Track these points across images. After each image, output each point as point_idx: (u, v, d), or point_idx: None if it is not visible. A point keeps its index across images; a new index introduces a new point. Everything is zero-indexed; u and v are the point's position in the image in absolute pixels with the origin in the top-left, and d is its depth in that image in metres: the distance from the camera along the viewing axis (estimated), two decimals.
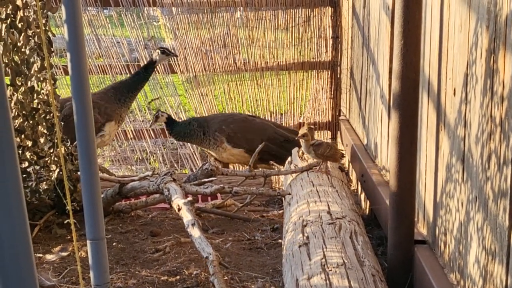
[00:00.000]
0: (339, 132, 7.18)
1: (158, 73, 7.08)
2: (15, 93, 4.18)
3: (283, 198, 4.94)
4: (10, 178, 1.25)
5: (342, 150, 5.54)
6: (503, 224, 2.40)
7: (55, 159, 4.36)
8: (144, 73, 5.86)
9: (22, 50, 4.18)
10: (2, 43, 4.04)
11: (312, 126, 5.40)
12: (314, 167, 4.95)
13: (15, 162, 1.25)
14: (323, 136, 7.34)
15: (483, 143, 2.63)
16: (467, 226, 2.85)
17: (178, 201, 3.97)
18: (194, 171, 6.31)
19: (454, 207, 3.06)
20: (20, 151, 4.25)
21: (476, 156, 2.73)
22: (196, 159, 7.21)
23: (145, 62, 6.36)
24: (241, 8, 7.17)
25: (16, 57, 4.17)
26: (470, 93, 2.81)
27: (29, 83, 4.25)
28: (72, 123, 5.67)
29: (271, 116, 7.28)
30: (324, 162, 4.91)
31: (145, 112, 7.59)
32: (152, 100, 7.27)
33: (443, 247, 3.27)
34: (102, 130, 5.59)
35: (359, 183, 5.58)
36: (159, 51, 5.85)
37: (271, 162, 5.81)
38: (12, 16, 4.08)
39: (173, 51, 6.26)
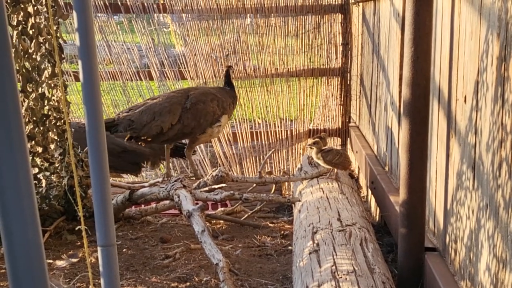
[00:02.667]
0: (349, 139, 7.17)
1: (169, 79, 7.10)
2: (26, 100, 4.20)
3: (293, 205, 4.94)
4: (22, 185, 1.25)
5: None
6: None
7: (66, 165, 4.38)
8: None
9: (33, 56, 4.20)
10: (13, 49, 4.06)
11: (323, 135, 5.37)
12: (324, 174, 4.95)
13: (27, 168, 1.26)
14: (333, 142, 7.34)
15: (494, 150, 2.62)
16: (478, 233, 2.84)
17: (188, 207, 3.98)
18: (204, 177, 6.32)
19: (465, 215, 3.05)
20: (30, 157, 4.26)
21: (487, 164, 2.72)
22: (205, 165, 7.22)
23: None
24: (251, 14, 7.18)
25: (27, 63, 4.20)
26: (481, 100, 2.80)
27: (40, 89, 4.27)
28: (197, 110, 5.68)
29: (280, 122, 7.28)
30: (334, 169, 4.91)
31: None
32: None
33: (453, 255, 3.26)
34: (219, 121, 5.67)
35: (369, 190, 5.57)
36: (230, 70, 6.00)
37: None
38: (23, 23, 4.10)
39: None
